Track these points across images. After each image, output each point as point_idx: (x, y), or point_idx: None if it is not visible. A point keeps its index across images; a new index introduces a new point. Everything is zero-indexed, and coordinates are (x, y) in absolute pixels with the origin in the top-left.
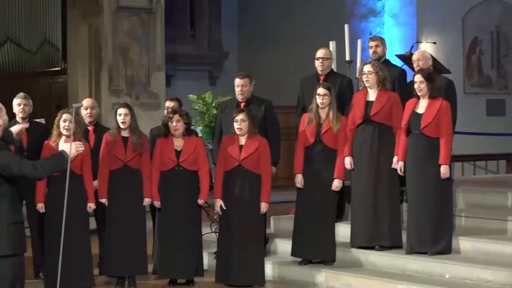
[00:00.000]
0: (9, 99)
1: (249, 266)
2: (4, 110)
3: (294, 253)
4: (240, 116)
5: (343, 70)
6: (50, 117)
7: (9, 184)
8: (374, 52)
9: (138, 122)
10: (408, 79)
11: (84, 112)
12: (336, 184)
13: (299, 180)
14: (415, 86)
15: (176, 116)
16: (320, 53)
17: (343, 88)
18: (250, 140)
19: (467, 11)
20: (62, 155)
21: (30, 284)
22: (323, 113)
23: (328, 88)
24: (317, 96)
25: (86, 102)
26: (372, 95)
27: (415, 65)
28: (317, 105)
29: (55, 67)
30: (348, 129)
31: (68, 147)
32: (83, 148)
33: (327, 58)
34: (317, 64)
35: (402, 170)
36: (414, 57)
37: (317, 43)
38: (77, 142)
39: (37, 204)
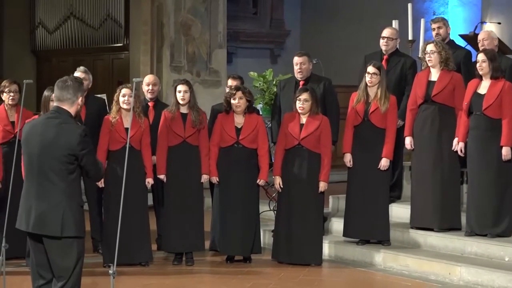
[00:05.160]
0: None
1: (306, 245)
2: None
3: (346, 233)
4: (303, 96)
5: (406, 50)
6: (112, 93)
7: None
8: (437, 34)
9: (199, 99)
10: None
11: (146, 88)
12: (383, 163)
13: (348, 159)
14: (477, 65)
15: (239, 93)
16: (386, 32)
17: (406, 68)
18: (311, 119)
19: None
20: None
21: (89, 258)
22: (371, 92)
23: (378, 68)
24: (366, 74)
25: (149, 78)
26: (434, 75)
27: (480, 45)
28: (366, 84)
29: (117, 43)
30: (408, 109)
31: None
32: None
33: (392, 39)
34: (382, 43)
35: (463, 152)
36: (480, 37)
37: (379, 22)
38: None
39: None
